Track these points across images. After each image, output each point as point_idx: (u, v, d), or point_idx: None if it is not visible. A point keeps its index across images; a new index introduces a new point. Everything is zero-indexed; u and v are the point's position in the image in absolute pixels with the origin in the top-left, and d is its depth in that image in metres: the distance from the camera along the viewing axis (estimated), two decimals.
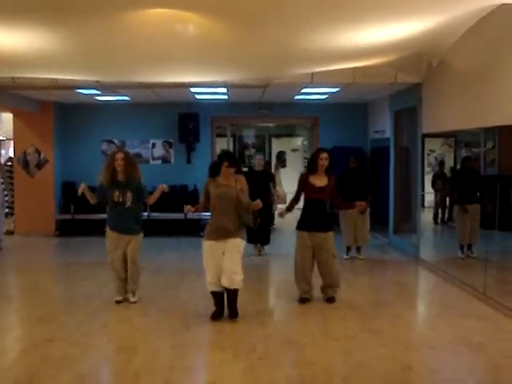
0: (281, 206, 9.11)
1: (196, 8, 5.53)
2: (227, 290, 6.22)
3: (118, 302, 6.99)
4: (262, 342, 5.57)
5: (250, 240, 10.28)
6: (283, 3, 5.53)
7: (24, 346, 5.62)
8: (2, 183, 10.99)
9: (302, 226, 7.00)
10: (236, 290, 6.22)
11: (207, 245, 6.22)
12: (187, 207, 6.37)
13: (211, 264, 6.18)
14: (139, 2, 5.30)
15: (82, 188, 6.92)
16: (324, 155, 6.97)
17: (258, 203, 6.21)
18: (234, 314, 6.22)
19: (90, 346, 5.58)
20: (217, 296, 6.28)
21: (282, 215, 7.14)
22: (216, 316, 6.22)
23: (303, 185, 6.99)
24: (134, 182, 6.94)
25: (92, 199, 7.00)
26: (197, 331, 5.84)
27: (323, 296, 7.06)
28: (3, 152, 17.83)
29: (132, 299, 7.05)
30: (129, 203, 6.86)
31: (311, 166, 7.02)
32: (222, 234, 6.14)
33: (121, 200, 6.84)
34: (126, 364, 5.11)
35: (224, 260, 6.10)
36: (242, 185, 6.22)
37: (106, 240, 7.02)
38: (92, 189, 7.10)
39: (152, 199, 7.20)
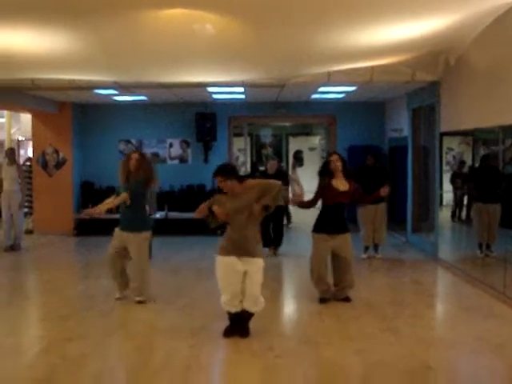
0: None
1: (212, 8, 5.54)
2: (245, 312, 5.72)
3: (117, 299, 7.07)
4: (278, 342, 5.57)
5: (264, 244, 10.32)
6: (300, 2, 5.52)
7: (43, 344, 5.66)
8: (20, 183, 11.06)
9: (321, 228, 6.89)
10: (252, 314, 5.75)
11: (224, 261, 5.60)
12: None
13: (229, 283, 5.58)
14: (156, 2, 5.33)
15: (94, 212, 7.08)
16: (334, 157, 6.92)
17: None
18: (246, 333, 5.71)
19: (108, 345, 5.62)
20: (233, 316, 5.73)
21: (295, 199, 7.11)
22: (229, 333, 5.72)
23: (325, 189, 6.89)
24: (146, 183, 7.03)
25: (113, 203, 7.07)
26: (214, 331, 5.82)
27: (337, 295, 7.01)
28: (22, 152, 18.00)
29: (137, 298, 6.99)
30: (128, 201, 6.90)
31: (326, 172, 6.92)
32: (242, 251, 5.55)
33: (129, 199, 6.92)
34: (143, 363, 5.13)
35: (248, 284, 5.56)
36: (253, 190, 5.56)
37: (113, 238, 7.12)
38: (111, 189, 7.20)
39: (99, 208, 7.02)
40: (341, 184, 6.86)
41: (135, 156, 6.99)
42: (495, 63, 7.40)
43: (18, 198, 11.00)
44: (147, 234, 7.07)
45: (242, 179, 5.66)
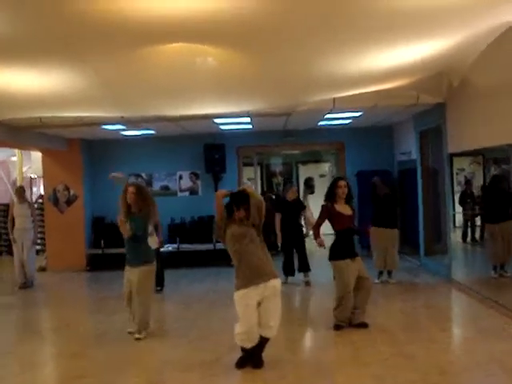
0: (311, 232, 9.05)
1: (213, 41, 5.61)
2: (262, 338, 5.61)
3: (129, 333, 6.98)
4: (292, 370, 5.52)
5: (288, 272, 10.27)
6: (303, 32, 5.57)
7: (55, 382, 5.64)
8: (33, 221, 11.14)
9: (343, 254, 6.82)
10: (268, 339, 5.65)
11: (242, 294, 5.46)
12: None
13: (246, 316, 5.46)
14: (157, 37, 5.40)
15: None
16: (342, 183, 6.94)
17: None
18: (259, 364, 5.59)
19: (120, 382, 5.58)
20: (247, 350, 5.63)
21: (321, 245, 6.99)
22: (242, 364, 5.62)
23: (329, 215, 6.91)
24: (145, 215, 7.03)
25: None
26: (226, 362, 5.77)
27: (354, 319, 6.92)
28: (35, 190, 18.16)
29: (137, 335, 6.86)
30: (139, 233, 6.91)
31: (331, 196, 6.95)
32: (260, 276, 5.43)
33: (131, 233, 6.90)
34: None
35: (267, 309, 5.48)
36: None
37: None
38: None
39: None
40: (344, 209, 6.90)
41: (131, 190, 6.95)
42: (498, 82, 7.41)
43: (31, 235, 11.06)
44: (150, 267, 7.02)
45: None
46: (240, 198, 5.58)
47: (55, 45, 5.44)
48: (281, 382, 5.23)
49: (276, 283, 5.55)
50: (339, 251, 6.87)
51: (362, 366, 5.61)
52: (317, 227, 7.07)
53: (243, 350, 5.65)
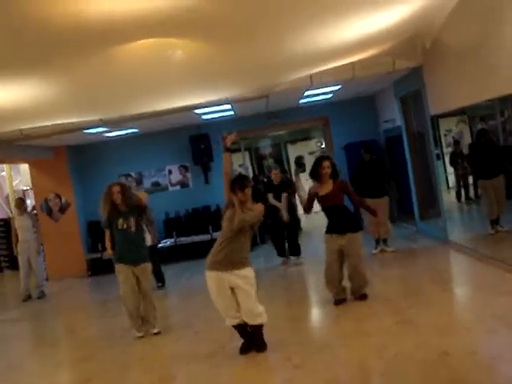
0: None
1: (180, 33, 5.58)
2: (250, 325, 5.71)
3: (140, 338, 6.93)
4: (296, 350, 5.54)
5: (280, 253, 10.38)
6: (265, 13, 5.54)
7: None
8: (35, 232, 11.16)
9: (328, 229, 7.01)
10: (260, 325, 5.70)
11: (212, 276, 5.61)
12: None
13: (219, 298, 5.63)
14: (123, 35, 5.35)
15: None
16: (326, 163, 6.95)
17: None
18: (261, 348, 5.67)
19: (128, 380, 5.62)
20: (238, 328, 5.75)
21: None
22: (244, 350, 5.70)
23: (315, 197, 7.02)
24: (136, 208, 6.97)
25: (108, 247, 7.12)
26: (231, 350, 5.80)
27: (354, 293, 6.99)
28: (28, 202, 18.14)
29: (154, 331, 6.97)
30: (133, 229, 6.88)
31: (314, 176, 7.00)
32: (231, 266, 5.52)
33: (125, 227, 6.85)
34: None
35: (240, 298, 5.58)
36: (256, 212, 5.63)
37: (117, 275, 6.98)
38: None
39: None
40: (323, 188, 6.93)
41: (116, 189, 6.88)
42: (469, 40, 7.39)
43: (35, 246, 11.10)
44: (148, 264, 7.07)
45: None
46: (242, 181, 5.63)
47: (23, 54, 5.39)
48: (285, 364, 5.27)
49: (245, 272, 5.56)
50: (327, 225, 7.02)
51: (364, 336, 5.65)
52: (307, 211, 7.17)
53: (238, 331, 5.75)
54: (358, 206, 7.70)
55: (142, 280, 6.92)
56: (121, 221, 6.86)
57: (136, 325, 6.98)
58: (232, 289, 5.56)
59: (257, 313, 5.60)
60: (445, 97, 8.84)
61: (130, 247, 6.89)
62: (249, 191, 5.56)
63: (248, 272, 5.60)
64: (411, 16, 6.83)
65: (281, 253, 10.46)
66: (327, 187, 6.93)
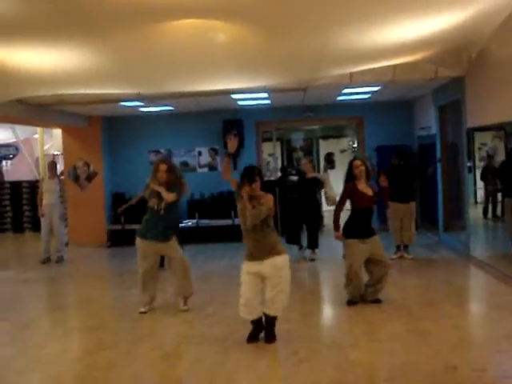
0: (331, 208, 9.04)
1: (224, 16, 5.58)
2: (266, 315, 5.73)
3: (142, 313, 6.97)
4: (304, 345, 5.55)
5: (289, 240, 10.30)
6: (314, 5, 5.51)
7: (72, 355, 5.78)
8: (61, 196, 11.30)
9: (353, 233, 6.86)
10: (274, 319, 5.72)
11: (244, 265, 5.69)
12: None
13: (246, 287, 5.64)
14: (168, 13, 5.38)
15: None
16: (358, 162, 6.92)
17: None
18: (271, 339, 5.68)
19: (136, 354, 5.68)
20: (254, 322, 5.75)
21: (338, 238, 7.02)
22: (252, 338, 5.73)
23: (352, 194, 6.90)
24: (175, 190, 6.96)
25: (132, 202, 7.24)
26: (241, 337, 5.81)
27: (367, 296, 6.95)
28: (58, 166, 18.36)
29: (184, 307, 7.04)
30: (163, 210, 6.89)
31: (351, 178, 6.93)
32: (263, 254, 5.55)
33: (156, 207, 6.88)
34: (169, 371, 5.21)
35: (268, 286, 5.58)
36: (268, 204, 5.58)
37: (138, 251, 7.03)
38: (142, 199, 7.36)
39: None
40: (366, 189, 6.87)
41: (163, 168, 6.88)
42: None
43: (59, 210, 11.25)
44: (174, 240, 7.12)
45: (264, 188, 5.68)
46: (252, 173, 5.59)
47: (74, 22, 5.44)
48: (292, 358, 5.28)
49: (275, 262, 5.56)
50: (351, 230, 6.89)
51: (374, 340, 5.66)
52: (338, 212, 7.05)
53: (251, 323, 5.74)
54: (385, 199, 7.68)
55: (170, 255, 7.01)
56: (154, 199, 6.88)
57: (150, 300, 7.06)
58: (263, 278, 5.58)
59: (279, 305, 5.60)
60: (484, 110, 8.72)
61: (157, 225, 6.91)
62: (257, 185, 5.53)
63: (279, 260, 5.58)
64: (460, 24, 6.73)
65: (290, 240, 10.37)
66: (369, 190, 6.89)
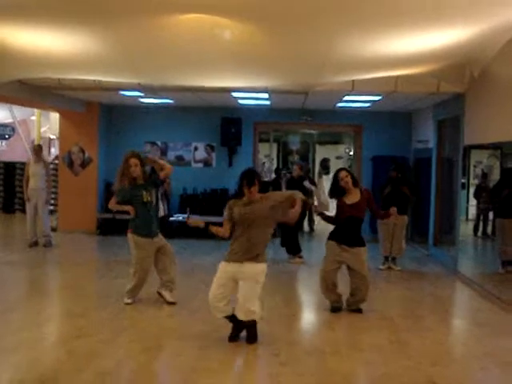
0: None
1: (232, 14, 5.56)
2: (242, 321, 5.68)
3: (128, 304, 6.97)
4: (285, 349, 5.54)
5: (289, 251, 10.39)
6: (321, 9, 5.51)
7: (52, 340, 5.75)
8: (47, 180, 11.22)
9: (334, 237, 6.87)
10: (254, 321, 5.66)
11: (220, 265, 5.66)
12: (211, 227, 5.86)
13: (214, 286, 5.60)
14: (176, 6, 5.37)
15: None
16: (342, 174, 6.88)
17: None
18: (252, 339, 5.67)
19: (116, 344, 5.64)
20: (229, 318, 5.72)
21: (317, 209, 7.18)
22: (233, 338, 5.71)
23: (338, 206, 6.96)
24: (153, 183, 7.01)
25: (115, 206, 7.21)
26: (223, 335, 5.79)
27: (350, 305, 6.94)
28: (53, 150, 18.29)
29: (171, 299, 7.05)
30: (154, 201, 6.91)
31: (338, 192, 6.89)
32: (244, 257, 5.50)
33: (149, 199, 6.86)
34: (148, 363, 5.17)
35: (240, 291, 5.54)
36: (270, 199, 5.59)
37: (135, 247, 6.92)
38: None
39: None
40: (350, 196, 6.84)
41: (134, 161, 6.75)
42: None
43: (44, 195, 11.17)
44: (161, 236, 7.14)
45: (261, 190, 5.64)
46: (252, 177, 5.53)
47: (80, 7, 5.43)
48: (273, 359, 5.27)
49: (254, 268, 5.51)
50: (333, 233, 6.92)
51: (355, 349, 5.65)
52: (330, 219, 7.10)
53: (229, 321, 5.72)
54: (377, 216, 7.66)
55: (164, 247, 7.02)
56: (144, 193, 6.82)
57: (132, 293, 7.04)
58: (236, 281, 5.55)
59: (251, 310, 5.54)
60: (483, 128, 8.74)
61: (153, 220, 6.93)
62: (255, 189, 5.49)
63: (259, 268, 5.54)
64: (465, 41, 6.75)
65: (290, 250, 10.43)
66: (355, 197, 6.85)
